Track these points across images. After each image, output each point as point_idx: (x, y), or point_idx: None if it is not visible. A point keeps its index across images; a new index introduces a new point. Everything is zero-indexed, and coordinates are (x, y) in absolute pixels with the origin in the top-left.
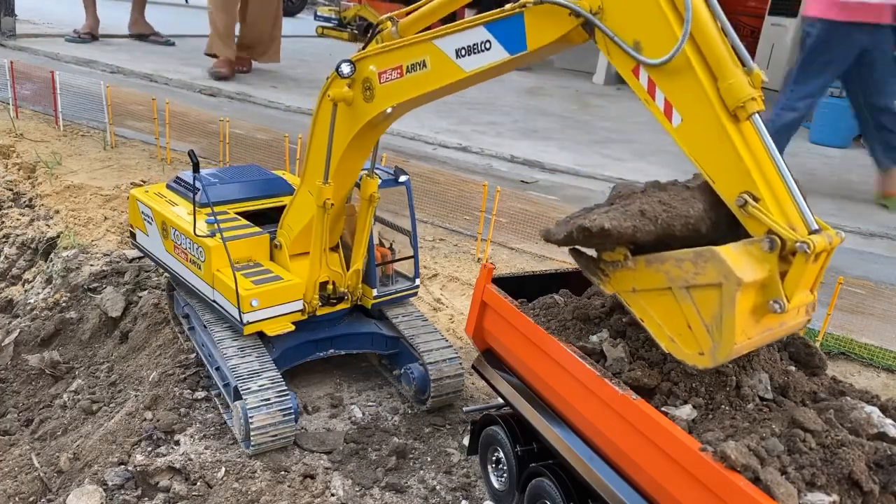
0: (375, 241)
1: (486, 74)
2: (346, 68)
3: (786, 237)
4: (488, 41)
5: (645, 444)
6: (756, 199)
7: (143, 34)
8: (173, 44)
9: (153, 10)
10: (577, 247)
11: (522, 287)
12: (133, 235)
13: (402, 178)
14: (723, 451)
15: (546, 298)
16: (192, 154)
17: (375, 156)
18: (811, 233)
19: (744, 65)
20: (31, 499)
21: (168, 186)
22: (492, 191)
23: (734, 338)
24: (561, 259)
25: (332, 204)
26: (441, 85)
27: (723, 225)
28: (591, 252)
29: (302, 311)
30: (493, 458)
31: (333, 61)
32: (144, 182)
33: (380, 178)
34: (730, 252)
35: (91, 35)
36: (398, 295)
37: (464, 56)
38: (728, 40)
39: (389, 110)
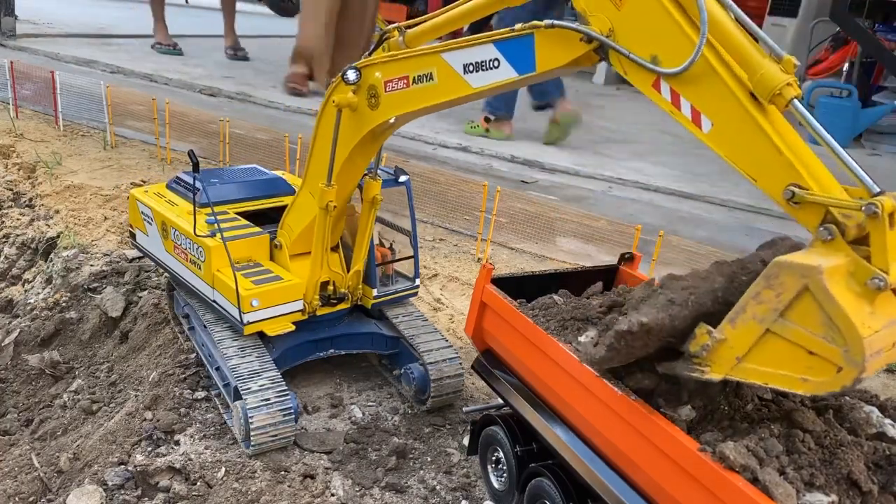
0: (375, 241)
1: (494, 91)
2: (351, 75)
3: (843, 210)
4: (497, 59)
5: (644, 444)
6: (803, 189)
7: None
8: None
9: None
10: (665, 364)
11: (522, 287)
12: (133, 235)
13: (402, 178)
14: (721, 452)
15: (545, 299)
16: (191, 154)
17: (379, 158)
18: (874, 196)
19: (771, 53)
20: (31, 499)
21: (168, 186)
22: (492, 191)
23: (857, 328)
24: (560, 259)
25: (335, 206)
26: (448, 98)
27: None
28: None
29: (302, 311)
30: (493, 458)
31: None
32: (144, 182)
33: (381, 178)
34: (796, 255)
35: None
36: (398, 295)
37: (472, 72)
38: (748, 32)
39: (393, 119)
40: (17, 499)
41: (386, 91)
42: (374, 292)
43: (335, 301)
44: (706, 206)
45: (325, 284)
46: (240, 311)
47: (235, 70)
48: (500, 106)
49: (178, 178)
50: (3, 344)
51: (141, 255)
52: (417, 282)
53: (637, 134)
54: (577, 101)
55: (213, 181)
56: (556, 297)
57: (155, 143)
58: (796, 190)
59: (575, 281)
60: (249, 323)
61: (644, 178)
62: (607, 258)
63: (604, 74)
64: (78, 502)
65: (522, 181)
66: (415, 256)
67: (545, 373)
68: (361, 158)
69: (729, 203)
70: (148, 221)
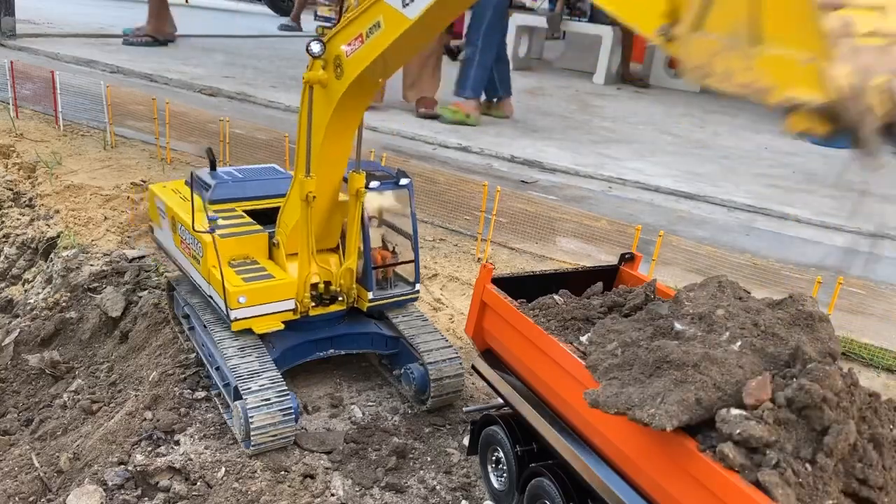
0: (378, 244)
1: (433, 19)
2: (315, 47)
3: None
4: None
5: (644, 443)
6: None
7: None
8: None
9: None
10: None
11: (522, 287)
12: (151, 230)
13: (404, 182)
14: (721, 451)
15: (545, 299)
16: (209, 151)
17: (360, 150)
18: None
19: None
20: (31, 499)
21: (185, 182)
22: (492, 191)
23: None
24: (561, 259)
25: (314, 197)
26: (393, 38)
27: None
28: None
29: (294, 310)
30: (493, 458)
31: None
32: (144, 182)
33: (372, 174)
34: None
35: (153, 38)
36: (396, 299)
37: (408, 4)
38: None
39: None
40: (17, 498)
41: (347, 56)
42: (370, 295)
43: (328, 301)
44: (706, 206)
45: (316, 284)
46: (227, 307)
47: (236, 70)
48: (468, 89)
49: (195, 174)
50: (3, 344)
51: (141, 255)
52: (417, 287)
53: (637, 134)
54: (577, 100)
55: (226, 179)
56: (556, 297)
57: (155, 143)
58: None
59: (575, 281)
60: (237, 319)
61: (644, 178)
62: (607, 258)
63: (604, 74)
64: (78, 502)
65: (522, 181)
66: (415, 261)
67: (545, 372)
68: (338, 140)
69: (729, 203)
70: (162, 216)
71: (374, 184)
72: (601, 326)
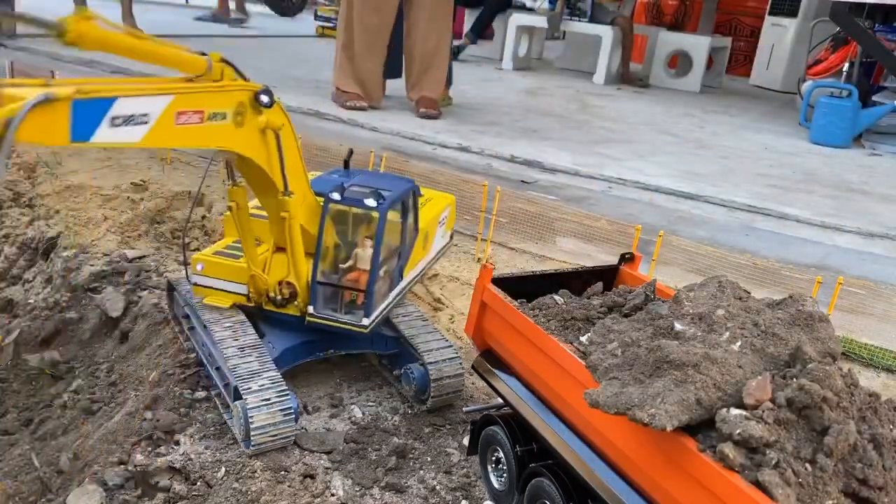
0: (366, 265)
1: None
2: (265, 98)
3: None
4: None
5: (644, 443)
6: None
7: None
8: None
9: (155, 10)
10: None
11: (522, 287)
12: None
13: (370, 203)
14: (721, 451)
15: (546, 299)
16: (350, 152)
17: (279, 165)
18: None
19: None
20: (31, 499)
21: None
22: (492, 191)
23: None
24: (561, 259)
25: (236, 204)
26: None
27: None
28: None
29: (247, 296)
30: (493, 458)
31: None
32: (144, 182)
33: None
34: None
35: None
36: (339, 325)
37: None
38: None
39: None
40: (17, 499)
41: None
42: (310, 309)
43: (281, 301)
44: (706, 206)
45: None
46: (187, 270)
47: None
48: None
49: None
50: (3, 344)
51: (141, 255)
52: (365, 322)
53: (637, 134)
54: (577, 100)
55: (332, 176)
56: (556, 297)
57: None
58: None
59: (575, 281)
60: (196, 284)
61: (644, 178)
62: (607, 258)
63: (604, 74)
64: (78, 502)
65: (522, 181)
66: (368, 293)
67: (545, 372)
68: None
69: (729, 203)
70: None
71: (370, 202)
72: (601, 326)
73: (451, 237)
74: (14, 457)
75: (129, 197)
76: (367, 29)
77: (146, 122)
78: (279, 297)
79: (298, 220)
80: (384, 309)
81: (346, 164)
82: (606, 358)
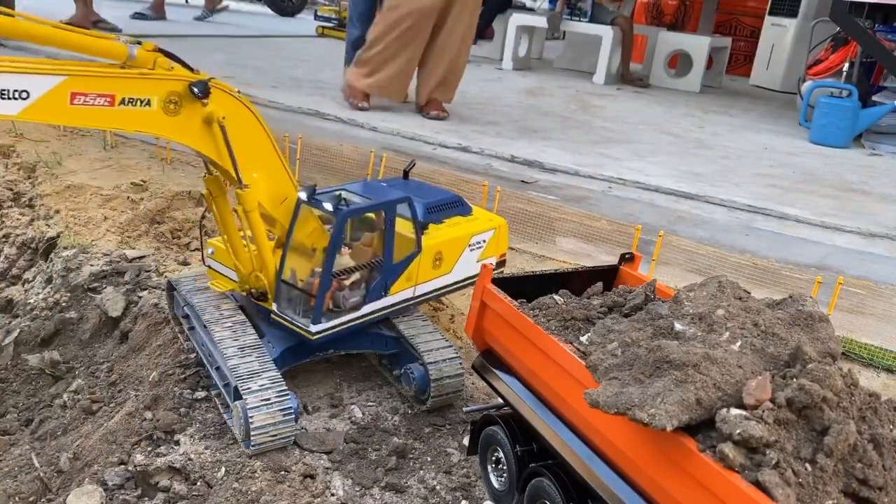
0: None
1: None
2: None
3: None
4: None
5: (644, 443)
6: None
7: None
8: (121, 30)
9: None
10: None
11: (522, 287)
12: None
13: (328, 207)
14: (721, 451)
15: (546, 299)
16: (412, 162)
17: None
18: None
19: None
20: (31, 499)
21: None
22: (492, 191)
23: None
24: (561, 259)
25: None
26: None
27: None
28: None
29: (238, 283)
30: (493, 458)
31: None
32: (144, 182)
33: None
34: None
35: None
36: (291, 326)
37: None
38: None
39: None
40: (17, 498)
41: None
42: (274, 306)
43: (257, 295)
44: (706, 205)
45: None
46: (203, 253)
47: (236, 70)
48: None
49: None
50: (3, 344)
51: (141, 255)
52: (312, 328)
53: (637, 134)
54: (577, 100)
55: (387, 187)
56: (556, 297)
57: (155, 143)
58: None
59: (575, 281)
60: (209, 267)
61: (644, 178)
62: (608, 258)
63: (604, 74)
64: (78, 502)
65: (522, 181)
66: (317, 299)
67: (545, 372)
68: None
69: (729, 203)
70: None
71: (328, 205)
72: (601, 326)
73: (500, 264)
74: (14, 457)
75: (129, 197)
76: (407, 26)
77: (26, 99)
78: (254, 290)
79: (255, 212)
80: (350, 322)
81: (406, 173)
82: (606, 358)
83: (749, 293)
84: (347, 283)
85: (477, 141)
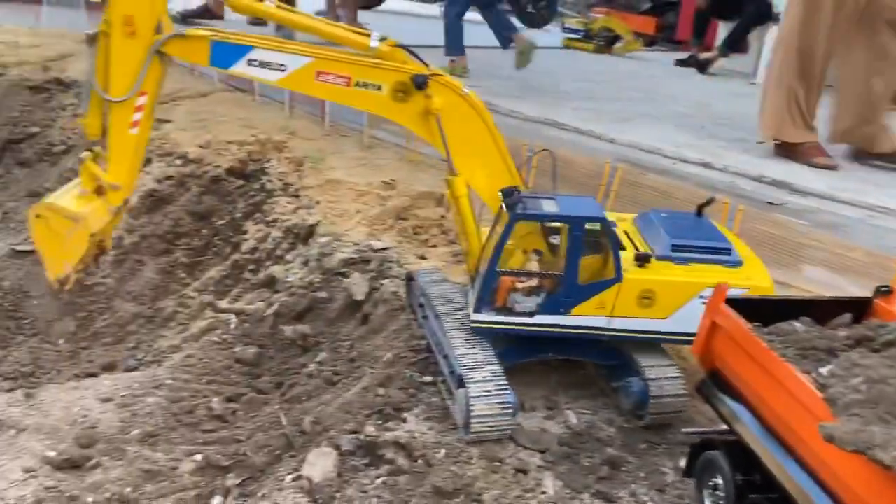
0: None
1: None
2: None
3: None
4: None
5: (881, 487)
6: None
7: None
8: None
9: None
10: None
11: (758, 310)
12: None
13: (505, 203)
14: None
15: (784, 325)
16: (710, 200)
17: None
18: None
19: None
20: (277, 452)
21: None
22: (733, 210)
23: None
24: (804, 288)
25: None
26: None
27: None
28: None
29: None
30: (710, 483)
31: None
32: (393, 181)
33: None
34: None
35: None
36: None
37: None
38: None
39: None
40: (266, 450)
41: None
42: (470, 292)
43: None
44: None
45: None
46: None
47: (482, 80)
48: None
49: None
50: (265, 314)
51: (385, 247)
52: (472, 316)
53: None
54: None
55: (655, 218)
56: (796, 323)
57: (405, 146)
58: None
59: (818, 310)
60: None
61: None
62: (860, 293)
63: None
64: (316, 461)
65: (769, 202)
66: (481, 289)
67: (777, 401)
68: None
69: None
70: None
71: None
72: (846, 359)
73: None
74: (265, 414)
75: (378, 194)
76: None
77: (283, 71)
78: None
79: (465, 198)
80: (518, 326)
81: (700, 209)
82: (848, 392)
83: None
84: (521, 286)
85: (721, 157)
